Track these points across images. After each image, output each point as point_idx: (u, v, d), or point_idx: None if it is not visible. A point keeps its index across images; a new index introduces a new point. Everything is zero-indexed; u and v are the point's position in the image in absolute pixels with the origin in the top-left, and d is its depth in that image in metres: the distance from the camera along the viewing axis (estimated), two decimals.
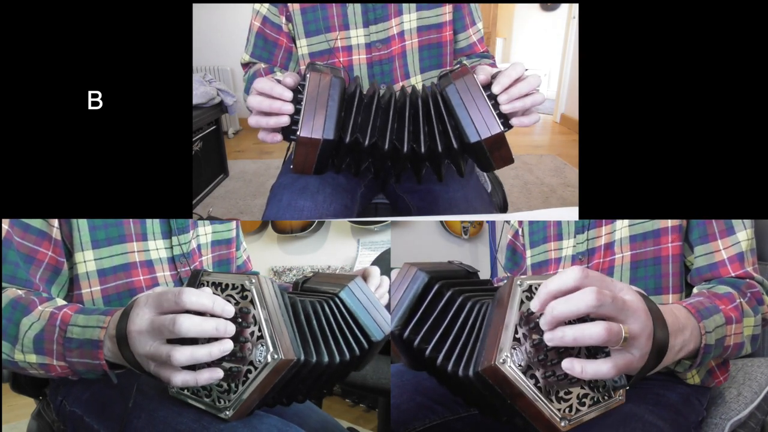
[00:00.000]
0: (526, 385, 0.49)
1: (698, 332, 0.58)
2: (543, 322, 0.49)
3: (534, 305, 0.50)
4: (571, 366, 0.48)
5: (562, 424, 0.50)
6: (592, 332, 0.46)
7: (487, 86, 0.79)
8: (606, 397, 0.53)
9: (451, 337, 0.60)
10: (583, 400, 0.52)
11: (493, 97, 0.78)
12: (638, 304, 0.49)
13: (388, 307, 0.70)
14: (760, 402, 0.78)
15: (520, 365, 0.50)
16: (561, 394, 0.51)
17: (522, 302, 0.52)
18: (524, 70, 0.78)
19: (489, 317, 0.57)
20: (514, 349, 0.50)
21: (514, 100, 0.76)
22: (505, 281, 0.57)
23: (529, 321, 0.51)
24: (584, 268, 0.49)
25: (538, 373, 0.50)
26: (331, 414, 0.88)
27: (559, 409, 0.50)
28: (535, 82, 0.77)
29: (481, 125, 0.77)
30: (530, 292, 0.53)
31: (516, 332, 0.51)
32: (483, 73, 0.79)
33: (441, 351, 0.59)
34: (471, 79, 0.77)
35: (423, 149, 0.80)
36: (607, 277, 0.50)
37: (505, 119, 0.79)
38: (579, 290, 0.47)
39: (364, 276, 0.75)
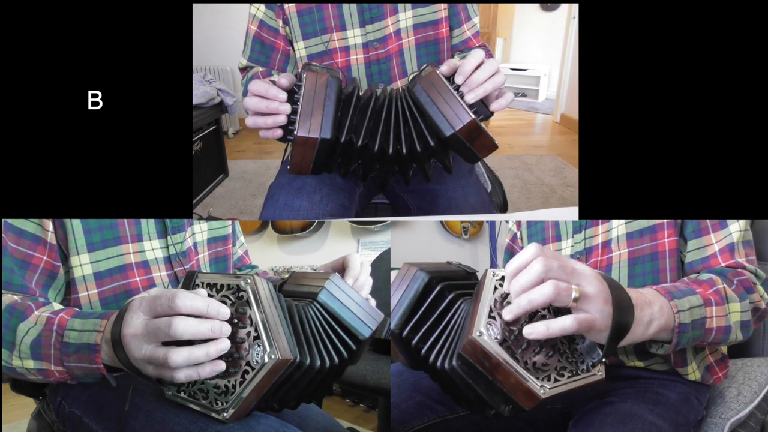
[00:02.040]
0: (503, 355, 0.52)
1: (669, 309, 0.60)
2: (512, 296, 0.54)
3: (506, 287, 0.55)
4: (533, 329, 0.52)
5: (541, 391, 0.52)
6: (543, 291, 0.51)
7: (453, 77, 0.80)
8: (584, 371, 0.55)
9: (444, 336, 0.61)
10: (562, 371, 0.54)
11: (459, 88, 0.79)
12: (589, 271, 0.54)
13: (385, 303, 0.69)
14: (760, 402, 0.78)
15: (496, 338, 0.53)
16: (538, 365, 0.54)
17: (495, 288, 0.57)
18: (483, 56, 0.79)
19: (468, 309, 0.59)
20: (489, 325, 0.54)
21: (476, 86, 0.78)
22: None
23: (503, 303, 0.56)
24: (540, 245, 0.54)
25: (514, 347, 0.54)
26: (331, 414, 0.87)
27: (537, 378, 0.53)
28: (493, 66, 0.78)
29: (452, 117, 0.77)
30: (502, 280, 0.57)
31: (491, 312, 0.55)
32: (447, 65, 0.80)
33: (434, 349, 0.61)
34: (434, 75, 0.78)
35: (405, 151, 0.81)
36: (559, 255, 0.55)
37: (477, 108, 0.79)
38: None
39: (343, 265, 0.73)
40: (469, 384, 0.57)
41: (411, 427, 0.75)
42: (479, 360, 0.53)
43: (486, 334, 0.53)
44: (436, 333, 0.62)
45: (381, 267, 1.60)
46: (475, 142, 0.80)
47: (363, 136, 0.80)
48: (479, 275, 0.74)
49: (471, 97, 0.78)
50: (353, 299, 0.65)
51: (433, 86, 0.78)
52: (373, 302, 0.72)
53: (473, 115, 0.77)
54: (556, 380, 0.53)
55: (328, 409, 1.97)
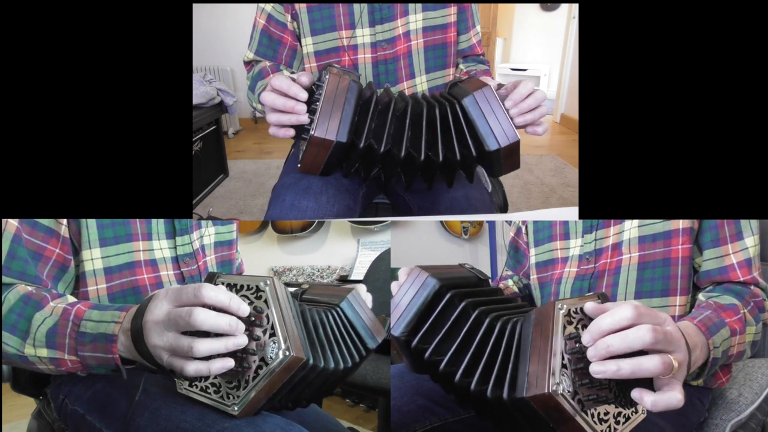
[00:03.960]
0: (575, 410, 0.50)
1: (707, 348, 0.60)
2: (593, 354, 0.50)
3: (586, 339, 0.51)
4: (641, 397, 0.49)
5: None
6: (649, 365, 0.48)
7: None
8: (634, 414, 0.55)
9: (469, 354, 0.59)
10: (618, 418, 0.53)
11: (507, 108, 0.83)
12: (679, 334, 0.52)
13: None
14: (761, 403, 0.78)
15: (568, 391, 0.50)
16: (601, 415, 0.52)
17: (564, 327, 0.53)
18: (533, 86, 0.84)
19: (526, 340, 0.56)
20: (563, 375, 0.51)
21: (526, 112, 0.83)
22: (545, 304, 0.57)
23: (573, 347, 0.52)
24: (637, 305, 0.50)
25: (583, 399, 0.51)
26: (331, 414, 0.88)
27: (601, 430, 0.51)
28: (541, 96, 0.84)
29: (500, 134, 0.80)
30: (570, 316, 0.53)
31: (563, 359, 0.51)
32: (492, 82, 0.84)
33: (459, 366, 0.59)
34: (489, 91, 0.81)
35: (440, 158, 0.81)
36: (653, 311, 0.51)
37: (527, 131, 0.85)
38: (633, 327, 0.49)
39: None
40: (511, 415, 0.55)
41: (412, 430, 0.75)
42: (547, 411, 0.51)
43: (561, 387, 0.50)
44: (455, 347, 0.60)
45: (381, 267, 1.60)
46: (508, 159, 0.83)
47: (385, 141, 0.81)
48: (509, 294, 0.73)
49: (520, 120, 0.83)
50: (367, 314, 0.72)
51: (486, 101, 0.80)
52: None
53: (519, 136, 0.81)
54: (614, 429, 0.53)
55: (328, 409, 1.97)
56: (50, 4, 0.67)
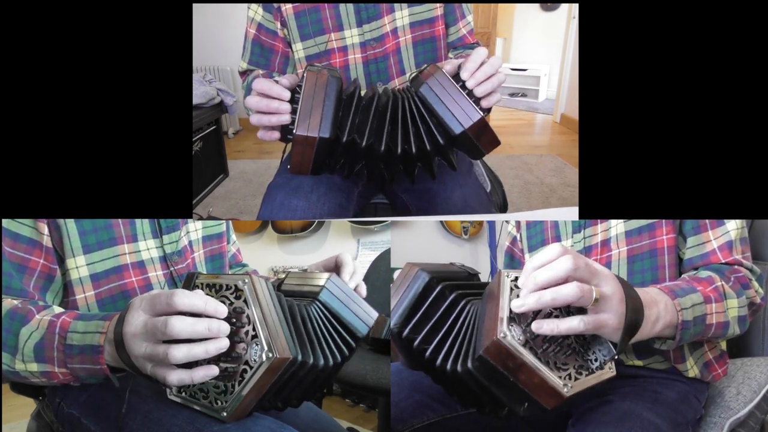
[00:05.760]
0: (527, 355, 0.53)
1: (673, 308, 0.62)
2: (525, 291, 0.54)
3: (521, 281, 0.55)
4: (540, 325, 0.53)
5: (565, 389, 0.53)
6: (567, 291, 0.51)
7: (456, 76, 0.81)
8: (598, 368, 0.56)
9: (450, 338, 0.61)
10: (580, 370, 0.55)
11: (465, 87, 0.80)
12: (608, 272, 0.55)
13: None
14: (760, 401, 0.78)
15: (519, 339, 0.54)
16: (559, 365, 0.55)
17: (512, 290, 0.57)
18: (486, 54, 0.81)
19: (482, 311, 0.60)
20: (511, 326, 0.54)
21: (483, 82, 0.80)
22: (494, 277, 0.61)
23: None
24: (563, 245, 0.54)
25: (535, 347, 0.54)
26: (331, 414, 0.88)
27: (560, 377, 0.54)
28: (498, 63, 0.81)
29: (461, 116, 0.78)
30: (516, 281, 0.58)
31: (510, 313, 0.55)
32: (449, 64, 0.82)
33: (441, 352, 0.61)
34: (441, 75, 0.79)
35: (414, 149, 0.81)
36: (582, 255, 0.55)
37: (481, 105, 0.81)
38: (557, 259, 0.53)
39: (337, 264, 0.77)
40: (484, 386, 0.57)
41: (410, 426, 0.75)
42: (502, 361, 0.54)
43: (509, 335, 0.53)
44: (441, 334, 0.62)
45: (381, 267, 1.60)
46: (481, 138, 0.81)
47: (368, 135, 0.80)
48: (482, 276, 0.74)
49: (480, 91, 0.79)
50: (351, 298, 0.69)
51: (440, 85, 0.79)
52: (363, 288, 0.76)
53: (482, 113, 0.79)
54: (576, 378, 0.55)
55: (328, 409, 1.97)
56: (50, 2, 0.68)
